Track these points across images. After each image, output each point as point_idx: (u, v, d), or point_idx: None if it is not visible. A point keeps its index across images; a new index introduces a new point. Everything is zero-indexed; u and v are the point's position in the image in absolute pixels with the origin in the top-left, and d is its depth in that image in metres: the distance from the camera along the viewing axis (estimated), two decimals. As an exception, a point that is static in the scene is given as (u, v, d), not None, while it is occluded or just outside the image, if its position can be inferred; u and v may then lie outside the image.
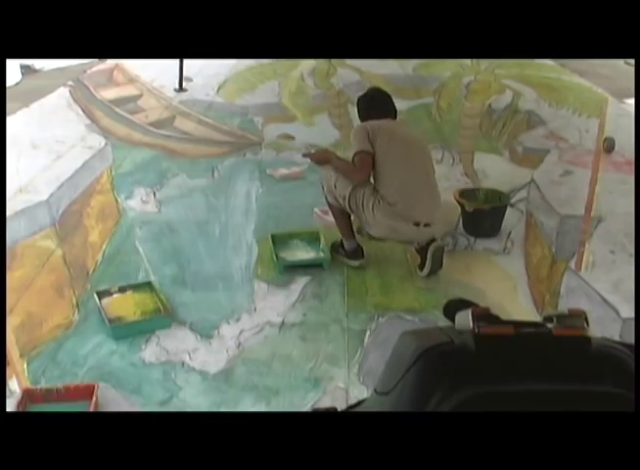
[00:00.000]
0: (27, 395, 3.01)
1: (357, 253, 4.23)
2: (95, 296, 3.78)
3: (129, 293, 3.87)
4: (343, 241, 4.27)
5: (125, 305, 3.75)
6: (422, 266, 4.11)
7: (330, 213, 4.39)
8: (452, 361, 1.34)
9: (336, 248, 4.30)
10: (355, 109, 4.41)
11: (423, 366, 1.33)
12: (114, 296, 3.84)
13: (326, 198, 4.30)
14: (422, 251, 4.11)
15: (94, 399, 2.94)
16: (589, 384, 1.31)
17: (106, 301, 3.77)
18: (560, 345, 1.37)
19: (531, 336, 1.40)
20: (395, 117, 4.30)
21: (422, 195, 4.07)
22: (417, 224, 4.02)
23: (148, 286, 3.92)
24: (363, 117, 4.28)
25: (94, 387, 2.99)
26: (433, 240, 4.08)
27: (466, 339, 1.35)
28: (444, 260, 4.11)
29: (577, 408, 1.26)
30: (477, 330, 1.36)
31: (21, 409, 2.93)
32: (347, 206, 4.14)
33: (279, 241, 4.41)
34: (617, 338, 3.29)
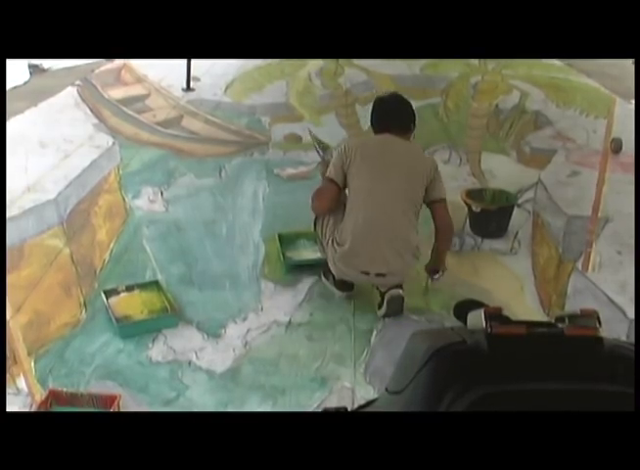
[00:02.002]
0: (54, 396, 3.02)
1: (345, 284, 3.84)
2: (102, 294, 3.78)
3: (136, 292, 3.87)
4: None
5: (132, 304, 3.76)
6: (379, 306, 3.72)
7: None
8: (465, 361, 1.35)
9: (325, 273, 3.93)
10: (362, 108, 4.38)
11: (435, 366, 1.33)
12: (122, 295, 3.84)
13: None
14: (380, 293, 3.73)
15: (115, 408, 2.96)
16: (603, 383, 1.31)
17: (113, 299, 3.77)
18: (572, 345, 1.37)
19: (544, 336, 1.40)
20: (406, 132, 3.75)
21: (375, 240, 3.55)
22: (365, 273, 3.63)
23: (155, 285, 3.93)
24: (371, 123, 3.85)
25: (117, 397, 3.00)
26: (394, 286, 3.69)
27: (478, 338, 1.36)
28: (448, 261, 3.93)
29: (591, 408, 1.26)
30: (489, 330, 1.36)
31: (43, 409, 2.95)
32: (314, 228, 3.90)
33: (286, 240, 4.40)
34: (623, 338, 3.28)
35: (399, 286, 3.69)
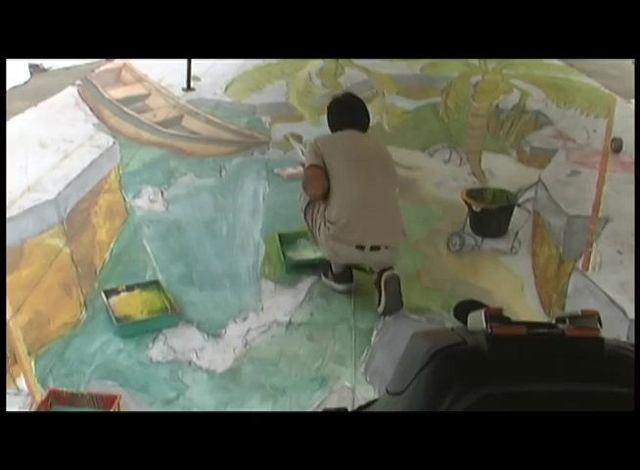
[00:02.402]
0: (54, 396, 3.02)
1: (345, 276, 3.91)
2: (102, 294, 3.78)
3: (137, 291, 3.87)
4: (331, 263, 3.94)
5: (133, 304, 3.76)
6: (379, 302, 3.71)
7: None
8: (465, 361, 1.34)
9: (324, 270, 4.00)
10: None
11: (436, 366, 1.33)
12: (122, 294, 3.83)
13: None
14: (376, 282, 3.74)
15: (115, 408, 2.96)
16: (603, 384, 1.31)
17: (113, 299, 3.77)
18: (573, 345, 1.36)
19: (544, 336, 1.40)
20: (365, 128, 4.02)
21: (369, 214, 3.67)
22: (360, 247, 3.67)
23: (155, 285, 3.92)
24: (330, 123, 4.07)
25: (117, 397, 2.99)
26: (386, 269, 3.72)
27: (479, 339, 1.35)
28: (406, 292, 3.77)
29: (592, 409, 1.26)
30: (490, 330, 1.35)
31: (43, 409, 2.95)
32: (304, 220, 3.95)
33: (286, 240, 4.39)
34: (623, 338, 3.29)
35: (391, 268, 3.75)
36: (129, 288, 3.89)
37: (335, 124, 4.03)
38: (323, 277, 4.01)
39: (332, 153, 3.79)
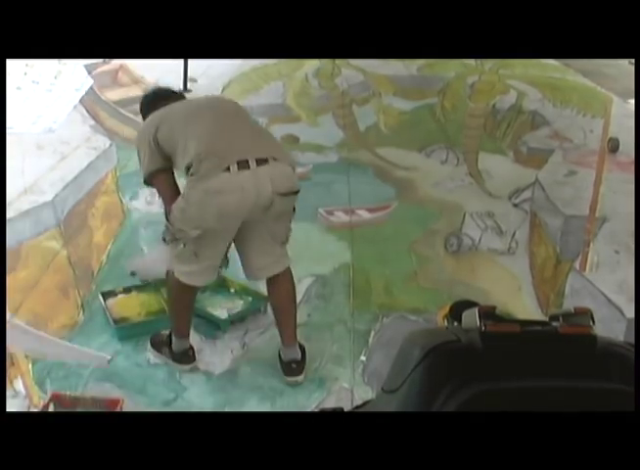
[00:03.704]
0: (56, 398, 3.01)
1: (186, 355, 3.34)
2: (100, 296, 3.78)
3: (134, 293, 3.89)
4: (172, 337, 3.35)
5: (130, 306, 3.77)
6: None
7: (334, 214, 4.36)
8: (459, 359, 1.35)
9: (156, 344, 3.42)
10: (359, 109, 4.36)
11: (430, 364, 1.34)
12: (119, 296, 3.85)
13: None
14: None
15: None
16: (596, 381, 1.32)
17: (110, 301, 3.78)
18: (566, 342, 1.37)
19: (537, 334, 1.41)
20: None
21: (233, 133, 3.06)
22: (244, 164, 2.91)
23: (152, 286, 3.91)
24: (149, 109, 3.36)
25: (119, 401, 2.99)
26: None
27: (473, 337, 1.36)
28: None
29: (585, 405, 1.27)
30: (483, 328, 1.36)
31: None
32: (173, 237, 3.10)
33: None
34: (621, 338, 3.29)
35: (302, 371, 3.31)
36: (126, 290, 3.89)
37: (156, 106, 3.33)
38: (155, 352, 3.43)
39: (165, 119, 3.15)
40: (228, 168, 2.89)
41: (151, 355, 3.40)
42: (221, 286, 3.90)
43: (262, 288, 3.53)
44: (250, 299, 3.84)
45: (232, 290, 3.93)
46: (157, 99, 3.45)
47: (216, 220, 2.97)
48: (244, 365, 3.37)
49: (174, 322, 3.36)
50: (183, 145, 3.00)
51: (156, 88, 3.78)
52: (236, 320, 3.69)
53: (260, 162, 2.94)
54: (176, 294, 3.28)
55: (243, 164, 2.91)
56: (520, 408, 1.26)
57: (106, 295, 3.81)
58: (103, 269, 4.16)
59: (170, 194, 3.14)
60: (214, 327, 3.65)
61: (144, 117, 3.42)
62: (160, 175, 3.17)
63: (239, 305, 3.82)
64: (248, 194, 2.92)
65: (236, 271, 3.63)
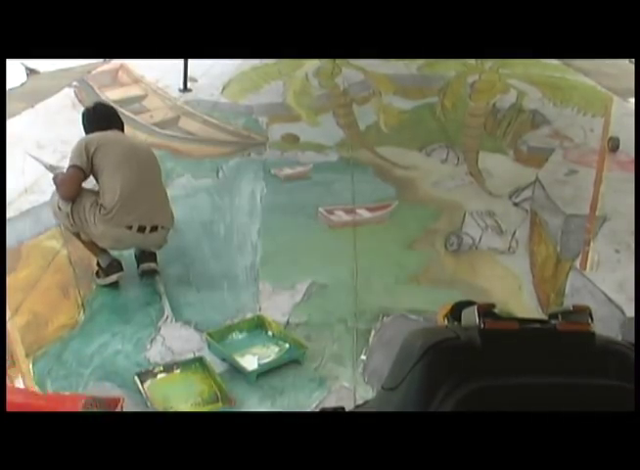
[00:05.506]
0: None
1: (113, 266, 3.96)
2: (136, 379, 3.20)
3: (177, 372, 3.30)
4: (98, 259, 4.00)
5: (173, 390, 3.19)
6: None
7: (335, 214, 4.37)
8: (458, 356, 1.36)
9: (96, 272, 4.02)
10: (359, 108, 4.37)
11: (429, 361, 1.35)
12: (159, 377, 3.26)
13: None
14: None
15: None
16: (594, 377, 1.32)
17: (148, 383, 3.20)
18: (564, 340, 1.38)
19: (536, 331, 1.42)
20: (122, 130, 4.17)
21: (143, 196, 3.85)
22: (142, 229, 3.84)
23: (199, 363, 3.34)
24: (88, 129, 4.05)
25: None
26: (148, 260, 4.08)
27: (472, 334, 1.37)
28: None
29: (584, 401, 1.27)
30: (482, 325, 1.37)
31: None
32: (73, 222, 3.85)
33: (217, 338, 3.51)
34: (621, 337, 3.29)
35: (155, 260, 4.11)
36: (167, 368, 3.30)
37: (96, 127, 4.03)
38: (97, 279, 4.00)
39: (102, 145, 3.85)
40: (130, 227, 3.80)
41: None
42: (259, 327, 3.63)
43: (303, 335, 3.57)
44: (287, 346, 3.48)
45: (270, 333, 3.60)
46: (97, 117, 4.10)
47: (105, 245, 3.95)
48: (244, 365, 3.36)
49: (90, 249, 4.01)
50: (109, 185, 3.80)
51: (97, 104, 4.38)
52: (265, 371, 3.30)
53: (153, 229, 3.90)
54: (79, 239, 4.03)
55: (141, 229, 3.84)
56: (518, 405, 1.26)
57: (142, 375, 3.22)
58: (103, 269, 4.15)
59: (72, 189, 3.84)
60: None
61: (86, 131, 4.05)
62: (77, 172, 3.82)
63: (273, 352, 3.46)
64: (135, 245, 4.05)
65: (275, 312, 3.70)
